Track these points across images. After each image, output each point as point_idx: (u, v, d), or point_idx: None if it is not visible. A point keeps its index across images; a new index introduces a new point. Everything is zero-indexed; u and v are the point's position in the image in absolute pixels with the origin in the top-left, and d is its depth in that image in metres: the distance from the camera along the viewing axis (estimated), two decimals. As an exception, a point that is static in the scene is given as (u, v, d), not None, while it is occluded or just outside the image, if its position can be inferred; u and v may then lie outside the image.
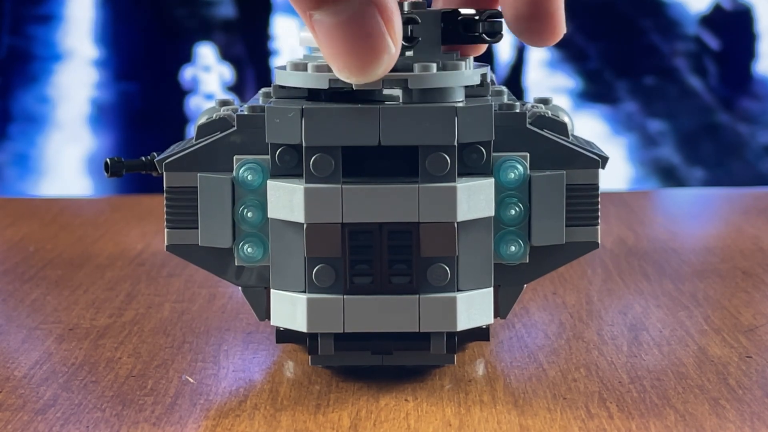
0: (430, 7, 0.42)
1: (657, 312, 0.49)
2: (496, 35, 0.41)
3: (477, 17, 0.41)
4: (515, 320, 0.48)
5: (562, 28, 0.42)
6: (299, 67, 0.40)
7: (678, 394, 0.40)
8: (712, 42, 1.13)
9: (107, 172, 0.44)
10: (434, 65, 0.39)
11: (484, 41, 0.41)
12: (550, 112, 0.42)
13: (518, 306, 0.49)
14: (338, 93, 0.39)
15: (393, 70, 0.38)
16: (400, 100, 0.39)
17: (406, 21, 0.38)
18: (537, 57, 1.13)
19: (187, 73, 1.12)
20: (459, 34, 0.41)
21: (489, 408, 0.39)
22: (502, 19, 0.41)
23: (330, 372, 0.42)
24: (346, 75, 0.37)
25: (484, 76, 0.41)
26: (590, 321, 0.48)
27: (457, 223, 0.39)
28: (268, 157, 0.40)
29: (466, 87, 0.41)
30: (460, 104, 0.39)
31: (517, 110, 0.41)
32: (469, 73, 0.40)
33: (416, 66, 0.39)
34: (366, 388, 0.40)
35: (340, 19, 0.36)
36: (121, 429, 0.37)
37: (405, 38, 0.38)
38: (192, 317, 0.49)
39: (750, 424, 0.37)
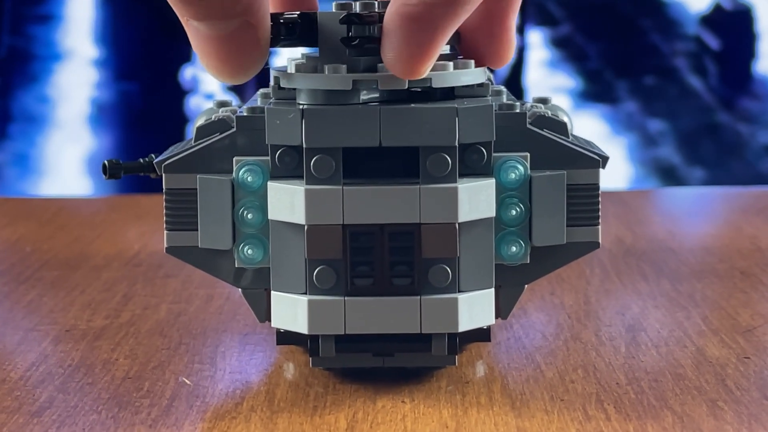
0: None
1: (655, 312, 0.49)
2: (354, 40, 0.39)
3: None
4: (513, 321, 0.48)
5: (510, 50, 0.42)
6: (301, 68, 0.40)
7: (676, 395, 0.40)
8: (712, 42, 1.13)
9: (105, 174, 0.44)
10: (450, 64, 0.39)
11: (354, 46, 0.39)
12: (549, 112, 0.42)
13: (516, 307, 0.49)
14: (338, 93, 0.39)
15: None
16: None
17: (348, 20, 0.38)
18: (537, 57, 1.13)
19: (187, 73, 1.12)
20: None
21: (486, 410, 0.39)
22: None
23: (327, 374, 0.42)
24: (211, 74, 0.38)
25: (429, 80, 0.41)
26: (588, 322, 0.48)
27: (458, 223, 0.39)
28: (268, 158, 0.40)
29: (466, 87, 0.41)
30: (461, 105, 0.39)
31: (517, 110, 0.40)
32: (469, 73, 0.40)
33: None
34: (363, 390, 0.40)
35: (219, 34, 0.37)
36: (117, 431, 0.37)
37: (344, 39, 0.38)
38: (189, 318, 0.49)
39: (747, 425, 0.37)
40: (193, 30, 0.37)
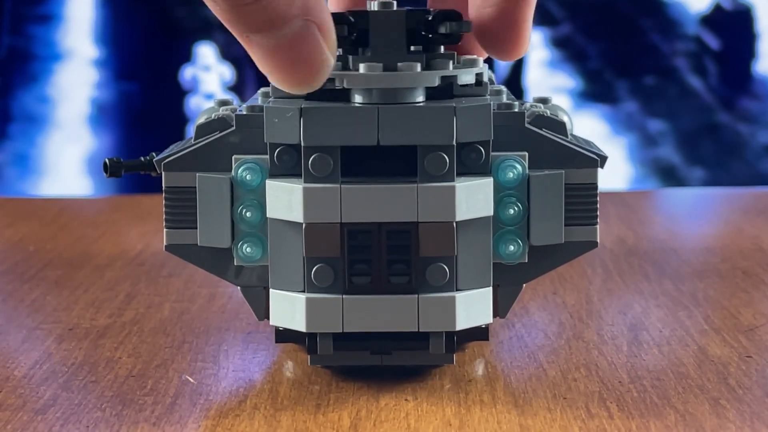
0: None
1: (657, 312, 0.49)
2: (450, 36, 0.40)
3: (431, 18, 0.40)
4: (515, 320, 0.48)
5: (525, 42, 0.42)
6: (367, 68, 0.40)
7: (678, 393, 0.40)
8: (712, 42, 1.13)
9: (106, 172, 0.44)
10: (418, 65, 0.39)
11: (443, 42, 0.40)
12: (549, 112, 0.42)
13: (518, 306, 0.49)
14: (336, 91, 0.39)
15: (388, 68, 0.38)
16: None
17: (446, 17, 0.39)
18: (537, 57, 1.13)
19: (187, 73, 1.12)
20: (422, 36, 0.40)
21: (489, 408, 0.39)
22: (460, 21, 0.40)
23: (330, 372, 0.42)
24: (285, 87, 0.37)
25: (480, 75, 0.41)
26: (590, 321, 0.48)
27: (456, 222, 0.39)
28: (267, 156, 0.40)
29: (465, 86, 0.41)
30: (459, 104, 0.39)
31: (516, 110, 0.41)
32: (469, 72, 0.40)
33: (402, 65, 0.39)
34: (366, 388, 0.40)
35: (282, 42, 0.36)
36: (121, 429, 0.37)
37: (435, 37, 0.39)
38: (192, 317, 0.49)
39: (750, 423, 0.37)
40: (256, 45, 0.36)
